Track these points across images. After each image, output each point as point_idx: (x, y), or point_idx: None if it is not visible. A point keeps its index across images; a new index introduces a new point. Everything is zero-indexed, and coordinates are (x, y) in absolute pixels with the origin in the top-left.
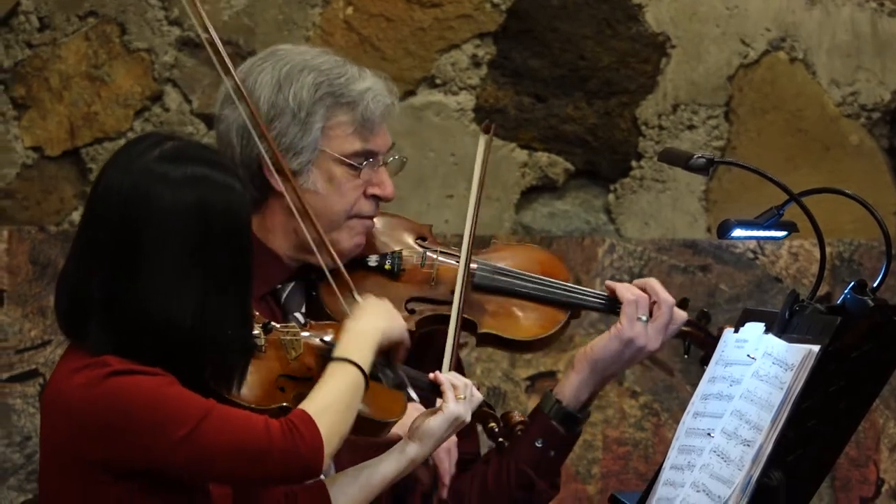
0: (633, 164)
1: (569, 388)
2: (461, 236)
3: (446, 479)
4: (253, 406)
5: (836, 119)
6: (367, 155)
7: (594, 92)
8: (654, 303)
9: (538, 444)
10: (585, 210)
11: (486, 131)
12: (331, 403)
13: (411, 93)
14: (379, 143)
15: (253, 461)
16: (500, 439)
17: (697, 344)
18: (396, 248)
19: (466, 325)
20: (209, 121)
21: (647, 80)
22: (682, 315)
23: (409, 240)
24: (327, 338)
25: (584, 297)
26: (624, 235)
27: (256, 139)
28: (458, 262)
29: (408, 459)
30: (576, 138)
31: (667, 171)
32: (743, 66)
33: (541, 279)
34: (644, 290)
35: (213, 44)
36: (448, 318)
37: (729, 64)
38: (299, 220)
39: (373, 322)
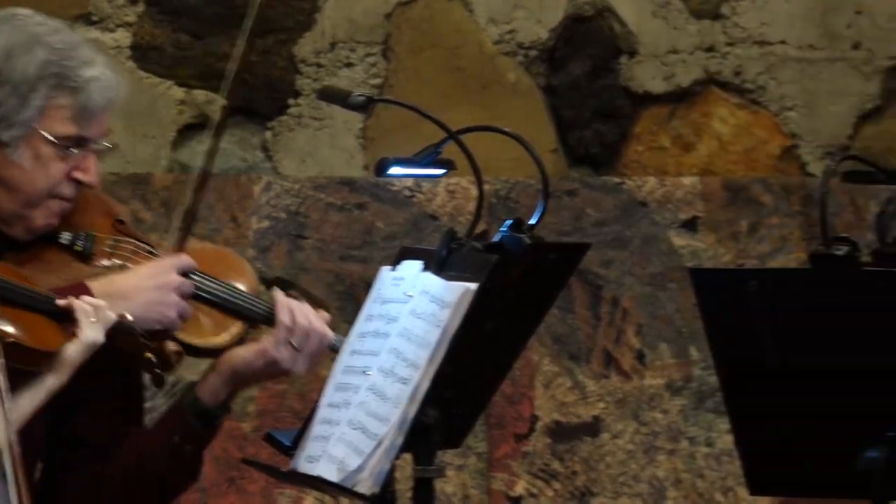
0: (291, 101)
1: (208, 388)
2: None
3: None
4: None
5: (493, 57)
6: (80, 141)
7: (252, 29)
8: (306, 331)
9: (175, 440)
10: (242, 148)
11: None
12: None
13: None
14: (94, 132)
15: None
16: (157, 370)
17: None
18: (92, 231)
19: None
20: None
21: (304, 18)
22: (330, 336)
23: (107, 222)
24: None
25: (252, 305)
26: (281, 173)
27: None
28: (149, 253)
29: (45, 390)
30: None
31: (324, 109)
32: (400, 4)
33: (225, 286)
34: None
35: None
36: None
37: (387, 2)
38: None
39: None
